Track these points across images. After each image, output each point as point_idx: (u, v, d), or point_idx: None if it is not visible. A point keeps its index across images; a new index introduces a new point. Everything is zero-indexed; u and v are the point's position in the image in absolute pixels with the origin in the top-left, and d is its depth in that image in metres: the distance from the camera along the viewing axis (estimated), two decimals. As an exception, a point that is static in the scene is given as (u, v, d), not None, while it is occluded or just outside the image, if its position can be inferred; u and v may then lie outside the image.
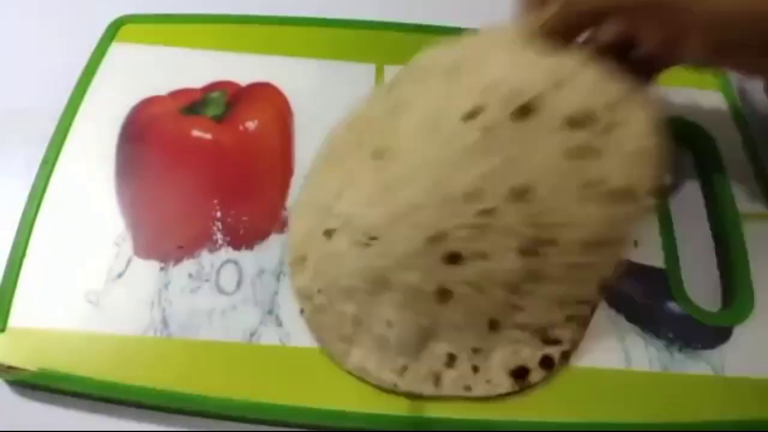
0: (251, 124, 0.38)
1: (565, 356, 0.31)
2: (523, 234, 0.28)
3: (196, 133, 0.37)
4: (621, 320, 0.32)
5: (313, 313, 0.31)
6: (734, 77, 0.42)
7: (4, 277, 0.32)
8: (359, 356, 0.30)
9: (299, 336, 0.32)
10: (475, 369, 0.30)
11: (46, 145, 0.36)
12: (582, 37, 0.30)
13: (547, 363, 0.30)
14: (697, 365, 0.31)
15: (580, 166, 0.28)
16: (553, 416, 0.30)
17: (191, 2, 0.43)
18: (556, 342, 0.31)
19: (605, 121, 0.28)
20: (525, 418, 0.30)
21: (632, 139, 0.28)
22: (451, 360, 0.30)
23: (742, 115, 0.40)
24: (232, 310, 0.32)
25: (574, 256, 0.28)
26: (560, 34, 0.29)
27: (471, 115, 0.28)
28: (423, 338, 0.30)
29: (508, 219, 0.28)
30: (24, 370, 0.30)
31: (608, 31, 0.29)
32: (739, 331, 0.32)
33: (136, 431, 0.30)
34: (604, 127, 0.28)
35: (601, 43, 0.29)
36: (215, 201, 0.35)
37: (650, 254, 0.34)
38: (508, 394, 0.30)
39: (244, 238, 0.34)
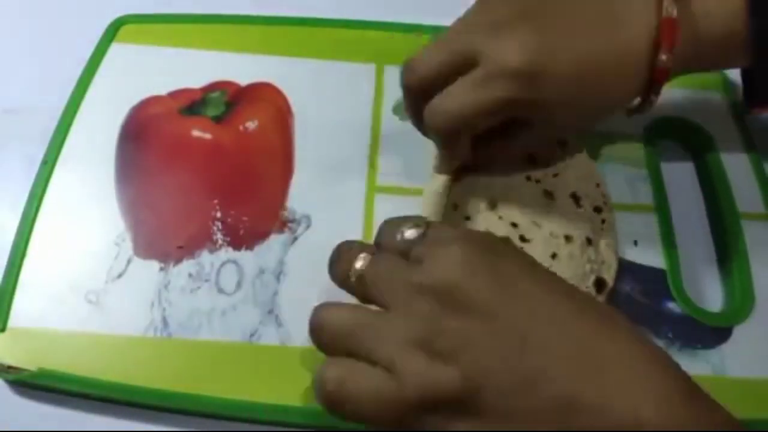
0: (251, 124, 0.38)
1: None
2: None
3: (195, 133, 0.37)
4: (621, 320, 0.32)
5: None
6: (734, 77, 0.42)
7: (4, 277, 0.32)
8: None
9: (299, 336, 0.32)
10: None
11: (46, 145, 0.36)
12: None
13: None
14: (697, 365, 0.31)
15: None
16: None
17: (191, 2, 0.43)
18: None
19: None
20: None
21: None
22: None
23: (742, 115, 0.40)
24: (232, 310, 0.32)
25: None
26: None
27: None
28: None
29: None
30: (24, 370, 0.30)
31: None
32: (739, 331, 0.32)
33: (136, 431, 0.30)
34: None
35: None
36: (215, 201, 0.35)
37: (650, 254, 0.34)
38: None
39: (244, 238, 0.34)
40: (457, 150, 0.33)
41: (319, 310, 0.26)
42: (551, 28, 0.30)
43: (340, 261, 0.27)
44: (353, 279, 0.25)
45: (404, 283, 0.24)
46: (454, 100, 0.30)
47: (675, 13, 0.29)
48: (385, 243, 0.26)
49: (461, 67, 0.30)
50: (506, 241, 0.25)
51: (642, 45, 0.30)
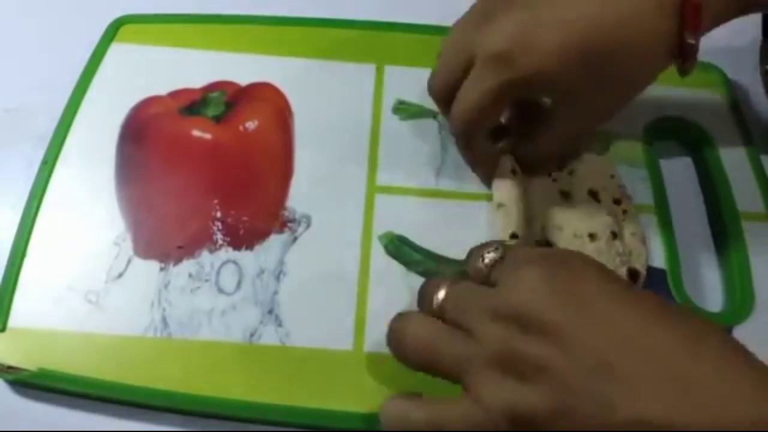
0: (251, 124, 0.38)
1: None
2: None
3: (195, 133, 0.37)
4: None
5: None
6: (734, 77, 0.42)
7: (4, 277, 0.32)
8: None
9: (299, 336, 0.32)
10: None
11: (46, 145, 0.36)
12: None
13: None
14: (697, 365, 0.31)
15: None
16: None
17: (191, 2, 0.43)
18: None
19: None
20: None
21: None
22: None
23: (742, 115, 0.40)
24: (232, 310, 0.32)
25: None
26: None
27: None
28: None
29: None
30: (24, 370, 0.30)
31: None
32: (739, 331, 0.32)
33: (135, 431, 0.30)
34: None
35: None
36: (215, 201, 0.35)
37: (650, 254, 0.34)
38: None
39: (244, 238, 0.34)
40: (477, 150, 0.34)
41: (402, 320, 0.27)
42: (538, 4, 0.29)
43: (426, 293, 0.27)
44: (435, 307, 0.26)
45: (481, 307, 0.24)
46: (463, 101, 0.32)
47: None
48: (469, 270, 0.27)
49: (467, 67, 0.31)
50: (584, 257, 0.25)
51: None
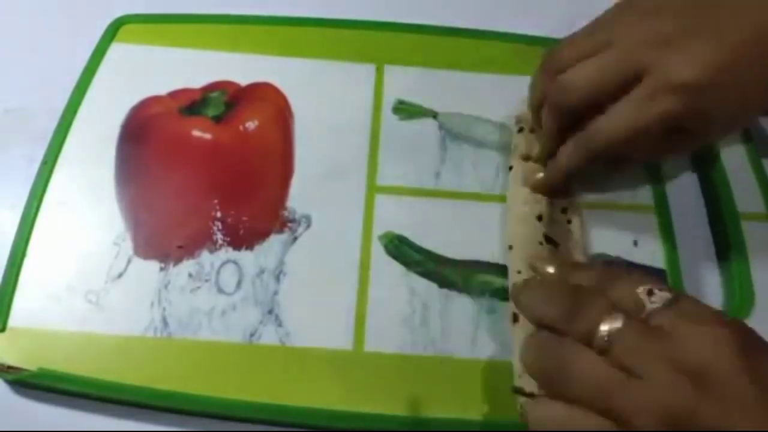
0: (251, 124, 0.38)
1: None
2: None
3: (195, 133, 0.37)
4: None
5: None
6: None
7: (4, 277, 0.32)
8: None
9: (299, 336, 0.32)
10: None
11: (46, 145, 0.36)
12: None
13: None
14: (697, 365, 0.31)
15: None
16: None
17: (191, 2, 0.43)
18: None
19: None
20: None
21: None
22: None
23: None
24: (232, 310, 0.32)
25: None
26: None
27: None
28: None
29: None
30: (24, 370, 0.30)
31: None
32: (739, 331, 0.32)
33: (135, 431, 0.30)
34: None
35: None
36: (215, 201, 0.35)
37: (650, 254, 0.34)
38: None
39: (244, 238, 0.34)
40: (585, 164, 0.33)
41: (569, 352, 0.25)
42: (725, 39, 0.29)
43: (584, 317, 0.25)
44: (597, 341, 0.24)
45: (659, 355, 0.23)
46: (620, 119, 0.30)
47: None
48: (622, 299, 0.25)
49: (623, 85, 0.30)
50: (754, 331, 0.25)
51: None
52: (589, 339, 0.24)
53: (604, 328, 0.24)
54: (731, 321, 0.24)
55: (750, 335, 0.24)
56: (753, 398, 0.22)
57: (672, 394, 0.22)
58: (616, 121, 0.30)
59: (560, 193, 0.35)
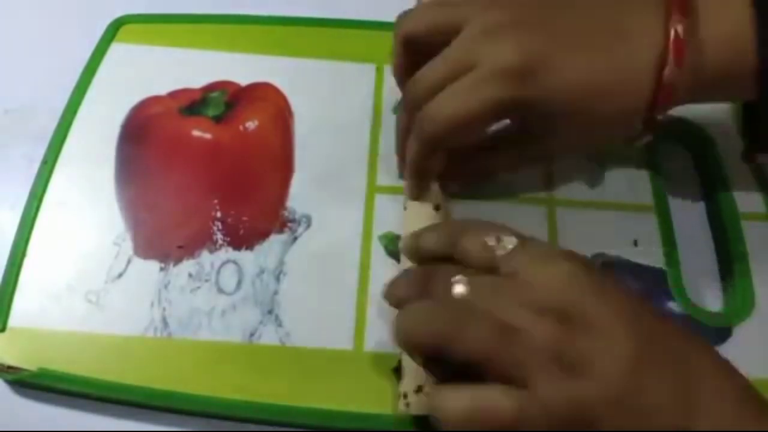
0: (251, 124, 0.38)
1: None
2: None
3: (195, 133, 0.37)
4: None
5: None
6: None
7: (4, 277, 0.32)
8: None
9: (299, 336, 0.32)
10: None
11: (46, 145, 0.36)
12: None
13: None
14: (697, 365, 0.31)
15: None
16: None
17: (191, 2, 0.43)
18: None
19: None
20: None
21: None
22: None
23: (742, 115, 0.40)
24: (232, 310, 0.32)
25: None
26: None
27: None
28: None
29: None
30: (24, 370, 0.30)
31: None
32: (739, 331, 0.32)
33: (135, 431, 0.30)
34: None
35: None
36: (215, 201, 0.35)
37: (650, 254, 0.34)
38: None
39: (244, 238, 0.34)
40: (427, 162, 0.32)
41: (462, 317, 0.25)
42: (551, 34, 0.29)
43: (431, 287, 0.26)
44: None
45: (519, 301, 0.24)
46: (452, 106, 0.29)
47: (682, 31, 0.28)
48: (472, 253, 0.27)
49: (458, 74, 0.29)
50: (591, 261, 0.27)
51: (647, 60, 0.29)
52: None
53: (456, 291, 0.25)
54: (572, 256, 0.26)
55: (590, 264, 0.27)
56: (610, 318, 0.24)
57: (545, 336, 0.24)
58: (442, 107, 0.29)
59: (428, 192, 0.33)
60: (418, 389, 0.28)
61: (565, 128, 0.32)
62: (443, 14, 0.31)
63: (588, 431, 0.23)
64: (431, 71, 0.30)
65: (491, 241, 0.26)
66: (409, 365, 0.29)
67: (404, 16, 0.32)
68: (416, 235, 0.30)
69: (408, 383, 0.28)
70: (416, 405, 0.28)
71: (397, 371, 0.29)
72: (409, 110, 0.32)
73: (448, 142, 0.31)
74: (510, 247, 0.26)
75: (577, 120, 0.31)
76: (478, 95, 0.29)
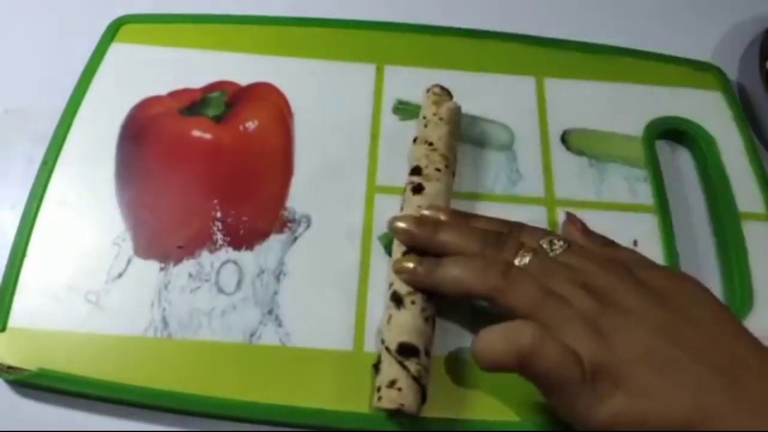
0: (251, 124, 0.38)
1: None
2: None
3: (195, 133, 0.37)
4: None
5: None
6: (734, 77, 0.42)
7: (4, 277, 0.32)
8: None
9: (299, 336, 0.32)
10: None
11: (46, 145, 0.36)
12: None
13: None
14: (697, 365, 0.31)
15: None
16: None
17: (191, 2, 0.43)
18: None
19: None
20: (522, 419, 0.30)
21: None
22: None
23: (742, 115, 0.40)
24: (232, 310, 0.32)
25: None
26: None
27: None
28: None
29: None
30: (24, 370, 0.30)
31: None
32: (739, 331, 0.32)
33: (135, 431, 0.30)
34: None
35: None
36: (215, 201, 0.35)
37: (650, 254, 0.34)
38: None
39: (244, 238, 0.34)
40: None
41: (514, 274, 0.28)
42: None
43: (503, 252, 0.29)
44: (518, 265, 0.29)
45: (568, 278, 0.28)
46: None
47: None
48: (530, 244, 0.30)
49: None
50: (638, 253, 0.32)
51: None
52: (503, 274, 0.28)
53: (525, 259, 0.29)
54: (621, 250, 0.31)
55: (635, 256, 0.31)
56: (642, 302, 0.27)
57: (585, 303, 0.27)
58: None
59: None
60: (391, 384, 0.28)
61: None
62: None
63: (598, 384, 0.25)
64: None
65: (546, 242, 0.30)
66: (387, 360, 0.29)
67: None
68: (465, 216, 0.33)
69: (383, 378, 0.28)
70: (387, 398, 0.28)
71: (377, 368, 0.30)
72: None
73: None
74: (563, 247, 0.30)
75: None
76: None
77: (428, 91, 0.37)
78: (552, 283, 0.28)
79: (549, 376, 0.26)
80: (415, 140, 0.36)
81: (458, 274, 0.29)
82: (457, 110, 0.36)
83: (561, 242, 0.30)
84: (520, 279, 0.28)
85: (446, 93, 0.37)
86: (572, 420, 0.27)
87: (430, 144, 0.34)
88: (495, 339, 0.27)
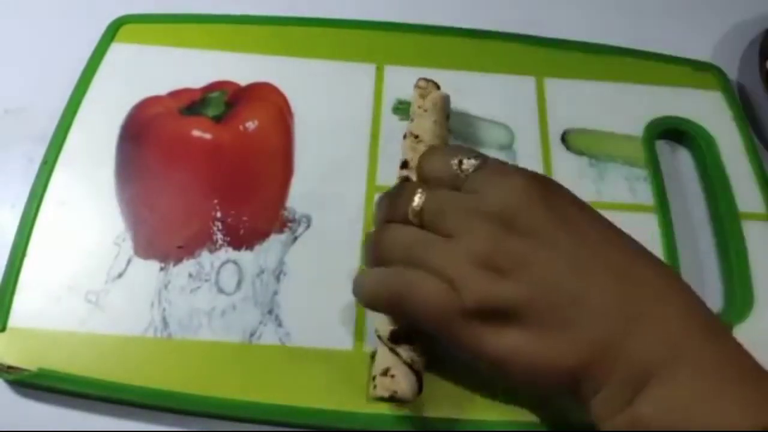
0: (251, 124, 0.38)
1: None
2: None
3: (195, 133, 0.37)
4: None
5: None
6: (734, 77, 0.42)
7: (4, 277, 0.32)
8: None
9: (299, 336, 0.32)
10: None
11: (46, 145, 0.36)
12: None
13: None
14: (697, 365, 0.31)
15: None
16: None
17: (191, 2, 0.43)
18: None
19: None
20: (522, 419, 0.30)
21: None
22: None
23: (742, 115, 0.40)
24: (232, 310, 0.32)
25: None
26: None
27: None
28: None
29: None
30: (24, 370, 0.30)
31: None
32: (739, 331, 0.32)
33: (135, 431, 0.30)
34: None
35: None
36: (215, 201, 0.35)
37: (650, 254, 0.34)
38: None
39: (244, 238, 0.34)
40: None
41: (380, 229, 0.27)
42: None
43: (397, 203, 0.28)
44: (412, 216, 0.27)
45: (466, 209, 0.25)
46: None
47: None
48: (436, 172, 0.28)
49: None
50: (551, 179, 0.28)
51: None
52: (405, 219, 0.27)
53: (414, 203, 0.27)
54: (531, 172, 0.27)
55: (548, 180, 0.27)
56: (554, 227, 0.25)
57: (477, 238, 0.25)
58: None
59: None
60: (385, 372, 0.28)
61: None
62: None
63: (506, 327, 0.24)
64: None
65: (456, 165, 0.28)
66: (380, 349, 0.29)
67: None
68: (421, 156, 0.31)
69: (377, 366, 0.28)
70: (381, 386, 0.27)
71: (373, 358, 0.30)
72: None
73: None
74: (473, 167, 0.27)
75: None
76: None
77: (414, 85, 0.37)
78: (441, 220, 0.26)
79: (419, 317, 0.25)
80: (404, 136, 0.35)
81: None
82: (442, 99, 0.35)
83: (472, 161, 0.27)
84: (387, 232, 0.27)
85: (432, 84, 0.36)
86: (461, 353, 0.26)
87: (416, 137, 0.34)
88: (369, 280, 0.27)
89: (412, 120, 0.35)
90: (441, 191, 0.27)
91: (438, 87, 0.36)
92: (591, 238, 0.25)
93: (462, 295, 0.24)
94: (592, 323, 0.23)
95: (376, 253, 0.28)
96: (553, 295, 0.24)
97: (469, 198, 0.26)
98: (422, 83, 0.36)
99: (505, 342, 0.24)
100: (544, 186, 0.26)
